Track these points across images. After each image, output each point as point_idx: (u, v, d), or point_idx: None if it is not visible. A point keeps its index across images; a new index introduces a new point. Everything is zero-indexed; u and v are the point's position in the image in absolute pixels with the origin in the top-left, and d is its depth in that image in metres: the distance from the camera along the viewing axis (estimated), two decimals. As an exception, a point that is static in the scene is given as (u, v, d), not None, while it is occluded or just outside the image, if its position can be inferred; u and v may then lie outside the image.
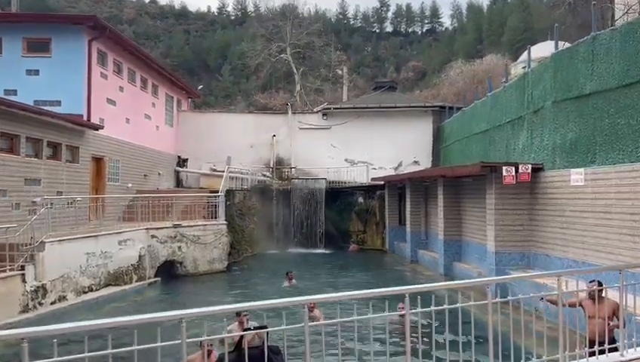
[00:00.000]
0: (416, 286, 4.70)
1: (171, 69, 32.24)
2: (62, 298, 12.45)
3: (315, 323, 4.90)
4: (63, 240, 12.72)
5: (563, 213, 11.81)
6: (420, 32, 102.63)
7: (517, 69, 27.95)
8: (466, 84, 41.72)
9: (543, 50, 20.62)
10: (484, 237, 14.60)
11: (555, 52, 12.68)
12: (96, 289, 13.85)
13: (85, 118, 17.66)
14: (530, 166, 12.67)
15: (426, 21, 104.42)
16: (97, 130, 17.89)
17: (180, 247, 17.52)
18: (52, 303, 12.14)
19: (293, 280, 15.52)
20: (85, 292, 13.39)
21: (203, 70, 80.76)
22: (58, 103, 17.46)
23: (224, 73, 78.06)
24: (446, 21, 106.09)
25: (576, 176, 11.32)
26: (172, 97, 27.16)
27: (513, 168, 12.68)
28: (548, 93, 12.90)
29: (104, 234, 14.49)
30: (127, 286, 14.81)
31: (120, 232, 15.25)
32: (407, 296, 4.56)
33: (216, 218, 19.14)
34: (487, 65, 45.35)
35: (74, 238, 13.16)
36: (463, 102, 23.95)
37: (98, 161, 19.03)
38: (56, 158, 16.16)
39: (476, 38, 78.51)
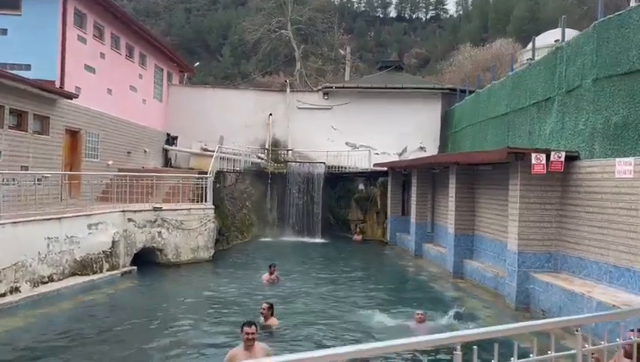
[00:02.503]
0: (481, 330, 2.93)
1: (171, 47, 30.12)
2: (14, 289, 10.67)
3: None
4: (18, 222, 10.92)
5: (603, 210, 10.02)
6: (424, 19, 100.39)
7: (524, 58, 26.05)
8: (474, 69, 39.81)
9: (549, 38, 19.05)
10: (503, 234, 12.84)
11: (598, 20, 10.80)
12: (59, 280, 12.07)
13: (58, 85, 15.76)
14: (564, 153, 10.86)
15: (431, 7, 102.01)
16: (71, 98, 15.99)
17: (160, 233, 15.73)
18: (1, 295, 10.36)
19: (275, 274, 13.74)
20: (44, 283, 11.61)
21: (203, 50, 78.58)
22: (27, 67, 15.57)
23: (224, 54, 75.95)
24: (451, 8, 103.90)
25: (624, 166, 9.51)
26: (162, 69, 25.19)
27: (544, 156, 10.87)
28: (587, 70, 11.04)
29: (70, 217, 12.67)
30: (96, 276, 13.03)
31: (90, 214, 13.44)
32: (458, 349, 2.79)
33: (204, 201, 17.35)
34: (497, 50, 43.37)
35: (31, 220, 11.35)
36: (470, 87, 22.22)
37: (73, 134, 17.17)
38: (21, 129, 14.31)
39: (481, 26, 76.31)
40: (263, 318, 9.10)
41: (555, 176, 11.16)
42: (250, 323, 6.84)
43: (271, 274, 13.61)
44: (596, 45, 10.75)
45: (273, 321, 9.25)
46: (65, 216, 12.53)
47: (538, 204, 11.32)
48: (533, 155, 10.87)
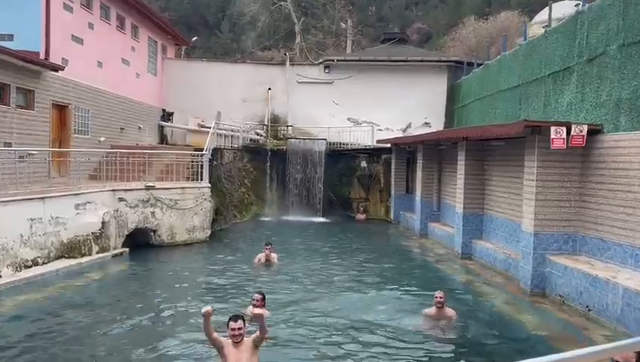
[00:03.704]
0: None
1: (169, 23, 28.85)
2: (-6, 274, 9.95)
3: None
4: (-4, 202, 10.15)
5: (629, 188, 9.21)
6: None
7: (534, 30, 24.90)
8: (478, 43, 38.55)
9: (562, 9, 17.98)
10: (516, 214, 12.07)
11: (626, -19, 9.85)
12: (44, 263, 11.35)
13: (42, 56, 14.83)
14: (586, 127, 10.00)
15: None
16: (57, 71, 15.07)
17: (153, 213, 14.98)
18: (-20, 281, 9.65)
19: (273, 255, 12.84)
20: (28, 267, 10.90)
21: (202, 26, 77.09)
22: (10, 38, 14.62)
23: (223, 29, 74.47)
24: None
25: (655, 140, 8.69)
26: (155, 42, 24.14)
27: (564, 129, 10.02)
28: (612, 36, 10.12)
29: (55, 196, 11.89)
30: (84, 259, 12.30)
31: (77, 194, 12.67)
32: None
33: (200, 180, 16.56)
34: (502, 23, 42.02)
35: (11, 200, 10.57)
36: (478, 60, 21.24)
37: (61, 109, 16.29)
38: (3, 102, 13.44)
39: (484, 0, 74.55)
40: (253, 309, 8.08)
41: (575, 151, 10.32)
42: (236, 318, 6.00)
43: (267, 254, 12.78)
44: (623, 8, 9.82)
45: (264, 314, 8.26)
46: (49, 195, 11.74)
47: (556, 181, 10.51)
48: (553, 129, 10.02)
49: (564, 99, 12.02)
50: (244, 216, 21.80)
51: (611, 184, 9.68)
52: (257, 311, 8.09)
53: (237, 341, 5.86)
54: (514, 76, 15.41)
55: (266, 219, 22.17)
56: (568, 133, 9.97)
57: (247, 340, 5.97)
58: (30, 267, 10.94)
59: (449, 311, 8.74)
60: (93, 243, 12.79)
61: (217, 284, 11.24)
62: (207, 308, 5.84)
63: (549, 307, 9.70)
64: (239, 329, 5.87)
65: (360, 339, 7.84)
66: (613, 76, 10.05)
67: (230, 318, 6.03)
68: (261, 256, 12.75)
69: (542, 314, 9.34)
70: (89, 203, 12.96)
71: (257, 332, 5.98)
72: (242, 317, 6.04)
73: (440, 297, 8.66)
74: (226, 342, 5.91)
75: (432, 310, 8.73)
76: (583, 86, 11.21)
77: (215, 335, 5.89)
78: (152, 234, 15.03)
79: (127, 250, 13.94)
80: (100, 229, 13.08)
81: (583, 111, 11.11)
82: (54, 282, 10.81)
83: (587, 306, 9.12)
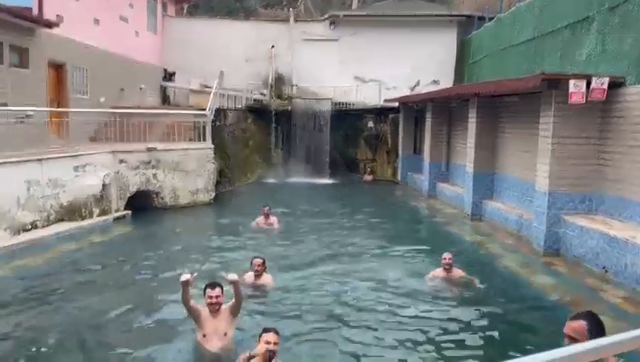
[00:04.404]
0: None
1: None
2: (-9, 238, 9.71)
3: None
4: (-10, 164, 9.81)
5: (653, 144, 8.73)
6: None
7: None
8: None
9: None
10: (529, 173, 11.60)
11: None
12: (44, 226, 11.09)
13: (35, 12, 14.21)
14: (607, 79, 9.42)
15: None
16: (51, 27, 14.45)
17: (155, 175, 14.63)
18: (-24, 245, 9.42)
19: (272, 218, 12.33)
20: (27, 230, 10.64)
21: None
22: (1, -7, 13.95)
23: (226, -13, 72.42)
24: None
25: (683, 92, 8.14)
26: (155, -2, 23.29)
27: (584, 82, 9.44)
28: (638, -20, 9.43)
29: (52, 158, 11.53)
30: (85, 222, 12.04)
31: (76, 155, 12.30)
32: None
33: (204, 141, 16.14)
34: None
35: (6, 162, 10.22)
36: (490, 14, 20.32)
37: (57, 68, 15.77)
38: (-4, 61, 12.95)
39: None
40: (254, 276, 7.76)
41: (595, 106, 9.77)
42: (213, 285, 5.60)
43: (266, 216, 12.31)
44: (651, -51, 9.10)
45: (267, 279, 7.87)
46: (46, 157, 11.38)
47: (574, 138, 9.99)
48: (572, 82, 9.45)
49: (583, 52, 11.37)
50: (248, 178, 21.46)
51: (632, 140, 9.17)
52: (249, 276, 7.79)
53: (214, 309, 5.52)
54: (529, 29, 14.68)
55: (271, 181, 21.83)
56: (587, 87, 9.42)
57: (225, 309, 5.63)
58: (29, 230, 10.69)
59: (458, 273, 8.42)
60: (94, 206, 12.51)
61: (219, 248, 10.96)
62: (187, 276, 5.50)
63: (562, 268, 9.36)
64: (217, 297, 5.51)
65: (365, 303, 7.53)
66: (637, 25, 9.40)
67: (207, 286, 5.67)
68: (259, 219, 12.33)
69: (556, 276, 9.01)
70: (88, 165, 12.61)
71: (233, 300, 5.66)
72: (220, 285, 5.65)
73: (448, 259, 8.32)
74: (204, 310, 5.59)
75: (439, 272, 8.41)
76: (603, 36, 10.55)
77: (192, 303, 5.57)
78: (154, 196, 14.73)
79: (129, 212, 13.66)
80: (100, 192, 12.77)
81: (603, 62, 10.49)
82: (55, 245, 10.57)
83: (604, 267, 8.76)
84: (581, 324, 3.06)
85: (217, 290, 5.53)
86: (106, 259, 10.09)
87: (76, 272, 9.06)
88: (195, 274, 5.81)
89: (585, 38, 11.34)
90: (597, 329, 3.06)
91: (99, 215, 12.61)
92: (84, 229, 11.76)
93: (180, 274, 5.71)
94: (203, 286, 5.85)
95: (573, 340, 3.04)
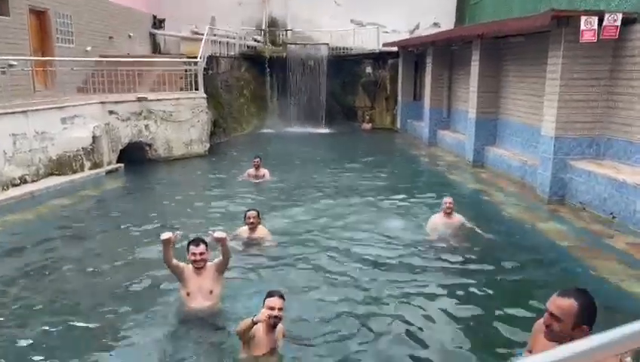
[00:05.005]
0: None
1: None
2: (-22, 194, 9.37)
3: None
4: (-28, 117, 9.35)
5: (667, 84, 8.29)
6: None
7: None
8: None
9: None
10: (535, 117, 11.20)
11: None
12: (33, 181, 10.75)
13: (11, -46, 13.35)
14: (620, 16, 8.87)
15: None
16: (30, -29, 13.63)
17: (147, 126, 14.17)
18: (-37, 201, 9.09)
19: (263, 170, 11.88)
20: (16, 185, 10.30)
21: None
22: None
23: None
24: None
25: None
26: (140, -61, 22.03)
27: (595, 19, 8.89)
28: None
29: (38, 110, 11.04)
30: (77, 176, 11.69)
31: (63, 107, 11.80)
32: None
33: (195, 90, 15.58)
34: None
35: (-12, 115, 9.77)
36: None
37: (39, 14, 14.99)
38: (-28, 8, 12.23)
39: None
40: (249, 229, 7.42)
41: (606, 44, 9.25)
42: (197, 242, 5.29)
43: (257, 167, 11.88)
44: None
45: (262, 232, 7.52)
46: (32, 108, 10.89)
47: (583, 80, 9.52)
48: (583, 19, 8.90)
49: (594, -13, 10.72)
50: (244, 129, 20.99)
51: (646, 81, 8.72)
52: (243, 230, 7.43)
53: (198, 266, 5.24)
54: (535, -35, 13.89)
55: (267, 130, 21.37)
56: (600, 24, 8.87)
57: (210, 265, 5.34)
58: (18, 185, 10.35)
59: (458, 218, 8.13)
60: (84, 159, 12.12)
61: (212, 200, 10.64)
62: (168, 234, 5.20)
63: (568, 215, 9.10)
64: (201, 254, 5.20)
65: (365, 253, 7.29)
66: (655, -45, 8.77)
67: (190, 242, 5.36)
68: (250, 171, 11.91)
69: (561, 222, 8.76)
70: (77, 116, 12.12)
71: (220, 257, 5.37)
72: (204, 241, 5.34)
73: (449, 203, 8.00)
74: (187, 268, 5.31)
75: (440, 217, 8.10)
76: (617, -31, 9.89)
77: (174, 261, 5.27)
78: (147, 148, 14.33)
79: (122, 165, 13.30)
80: (90, 144, 12.35)
81: (615, -1, 9.89)
82: (45, 200, 10.25)
83: (611, 213, 8.51)
84: (571, 304, 2.60)
85: (201, 247, 5.24)
86: (97, 213, 9.82)
87: (67, 228, 8.78)
88: (178, 232, 5.50)
89: (596, -28, 10.66)
90: (588, 312, 2.60)
91: (90, 168, 12.24)
92: (75, 183, 11.41)
93: (161, 233, 5.40)
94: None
95: (556, 319, 2.62)
